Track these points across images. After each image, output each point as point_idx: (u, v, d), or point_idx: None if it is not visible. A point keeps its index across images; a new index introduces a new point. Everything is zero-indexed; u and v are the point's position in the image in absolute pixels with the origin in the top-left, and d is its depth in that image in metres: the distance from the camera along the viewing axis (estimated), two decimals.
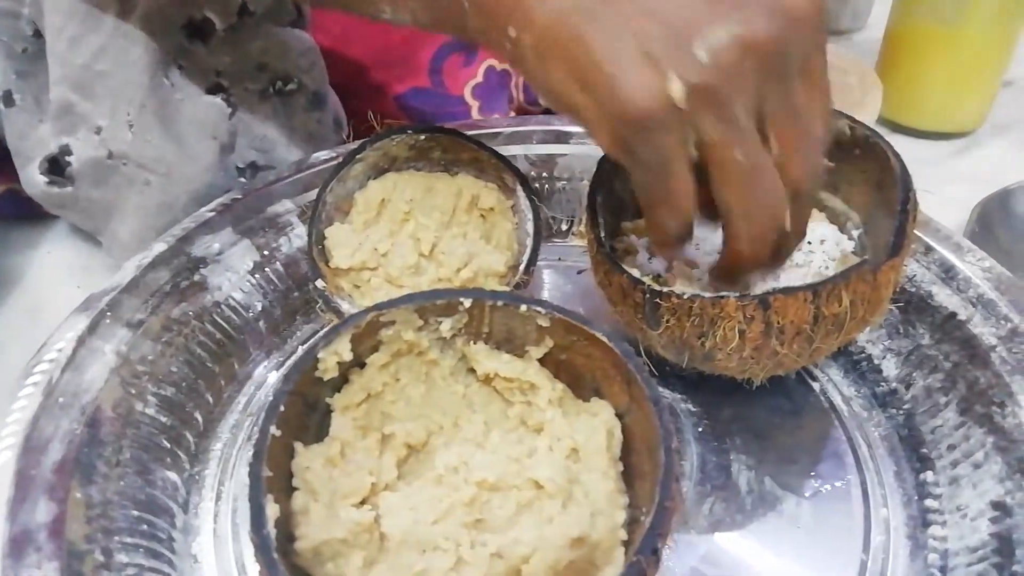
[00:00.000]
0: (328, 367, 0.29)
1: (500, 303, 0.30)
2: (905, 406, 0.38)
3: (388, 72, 0.61)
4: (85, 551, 0.28)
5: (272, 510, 0.25)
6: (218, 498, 0.36)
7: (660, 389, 0.28)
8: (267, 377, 0.42)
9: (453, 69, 0.62)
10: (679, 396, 0.40)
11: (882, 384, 0.40)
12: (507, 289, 0.40)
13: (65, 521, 0.28)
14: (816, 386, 0.41)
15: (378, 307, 0.29)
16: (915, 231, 0.37)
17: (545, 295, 0.48)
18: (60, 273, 0.53)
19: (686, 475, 0.36)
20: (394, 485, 0.29)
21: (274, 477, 0.26)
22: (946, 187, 0.62)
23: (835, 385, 0.41)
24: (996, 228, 0.54)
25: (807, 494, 0.35)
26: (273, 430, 0.26)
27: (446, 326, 0.31)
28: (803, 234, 0.33)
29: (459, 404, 0.31)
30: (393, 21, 0.37)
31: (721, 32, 0.28)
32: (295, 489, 0.27)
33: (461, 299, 0.30)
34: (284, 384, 0.27)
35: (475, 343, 0.32)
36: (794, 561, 0.33)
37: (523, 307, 0.30)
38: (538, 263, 0.42)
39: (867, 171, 0.40)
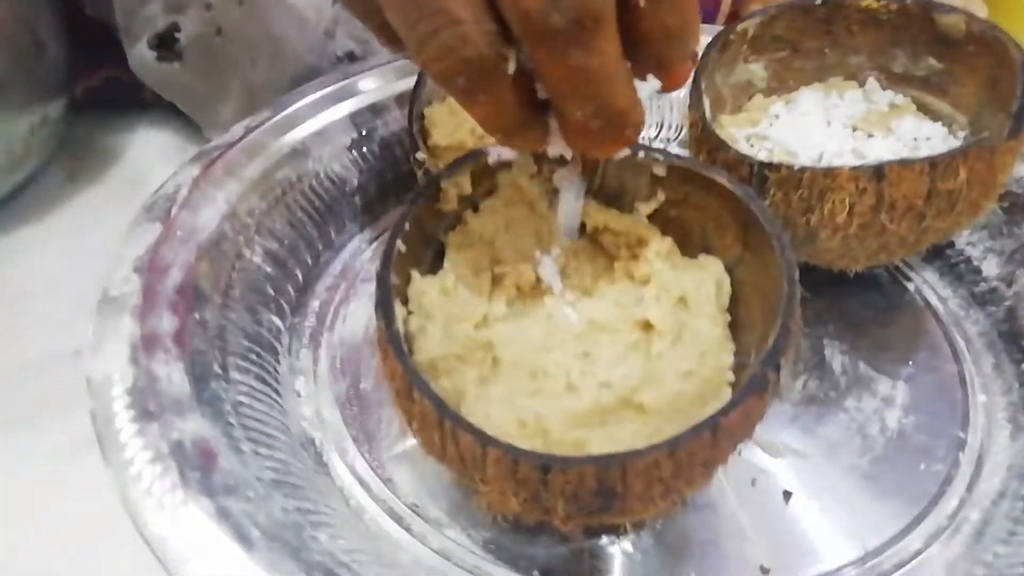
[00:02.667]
0: (449, 198, 0.30)
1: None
2: (1006, 303, 0.38)
3: None
4: (206, 361, 0.30)
5: (400, 312, 0.26)
6: (316, 347, 0.37)
7: None
8: (361, 248, 0.43)
9: None
10: None
11: (981, 284, 0.39)
12: None
13: (187, 334, 0.30)
14: (911, 286, 0.40)
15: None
16: None
17: None
18: (159, 153, 0.55)
19: None
20: (505, 318, 0.29)
21: (397, 292, 0.27)
22: None
23: (930, 286, 0.40)
24: None
25: (903, 378, 0.35)
26: (399, 245, 0.27)
27: (559, 175, 0.31)
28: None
29: (567, 256, 0.32)
30: None
31: None
32: (411, 313, 0.28)
33: None
34: (410, 207, 0.28)
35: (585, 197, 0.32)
36: (891, 437, 0.33)
37: (640, 154, 0.30)
38: None
39: (979, 69, 0.39)
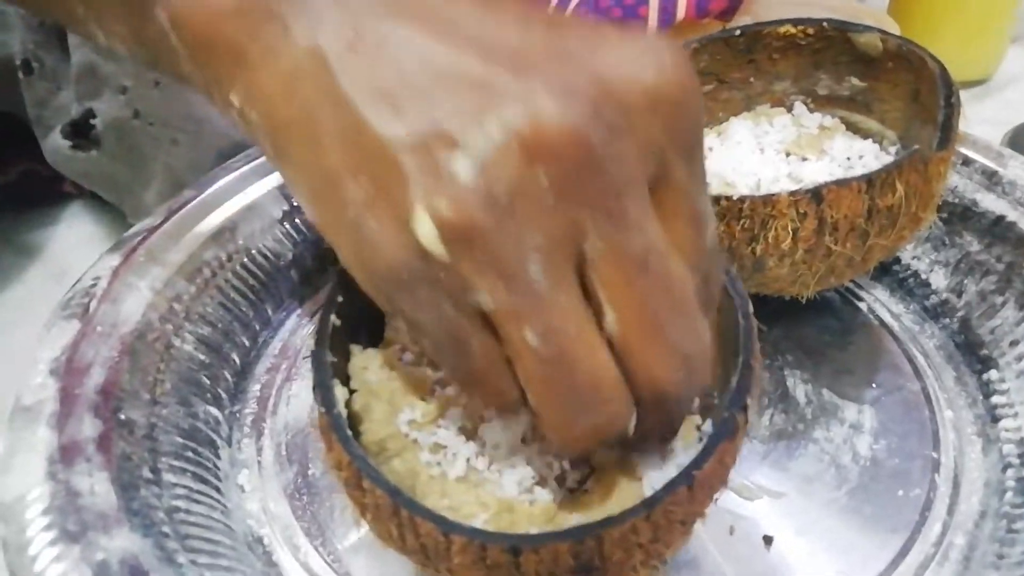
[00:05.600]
0: None
1: None
2: (959, 314, 0.37)
3: None
4: (134, 467, 0.27)
5: (342, 392, 0.24)
6: (259, 435, 0.35)
7: None
8: (302, 323, 0.41)
9: None
10: None
11: (932, 296, 0.39)
12: None
13: (112, 438, 0.27)
14: (863, 306, 0.40)
15: None
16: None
17: None
18: (82, 245, 0.52)
19: None
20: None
21: (336, 370, 0.25)
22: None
23: (883, 304, 0.40)
24: None
25: (868, 402, 0.34)
26: (333, 319, 0.25)
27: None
28: (672, 434, 0.25)
29: None
30: (110, 51, 0.29)
31: (495, 124, 0.18)
32: (353, 392, 0.26)
33: None
34: (342, 277, 0.26)
35: None
36: (865, 465, 0.32)
37: None
38: None
39: (901, 84, 0.40)
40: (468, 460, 0.25)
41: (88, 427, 0.28)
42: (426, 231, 0.18)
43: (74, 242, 0.53)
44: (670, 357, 0.20)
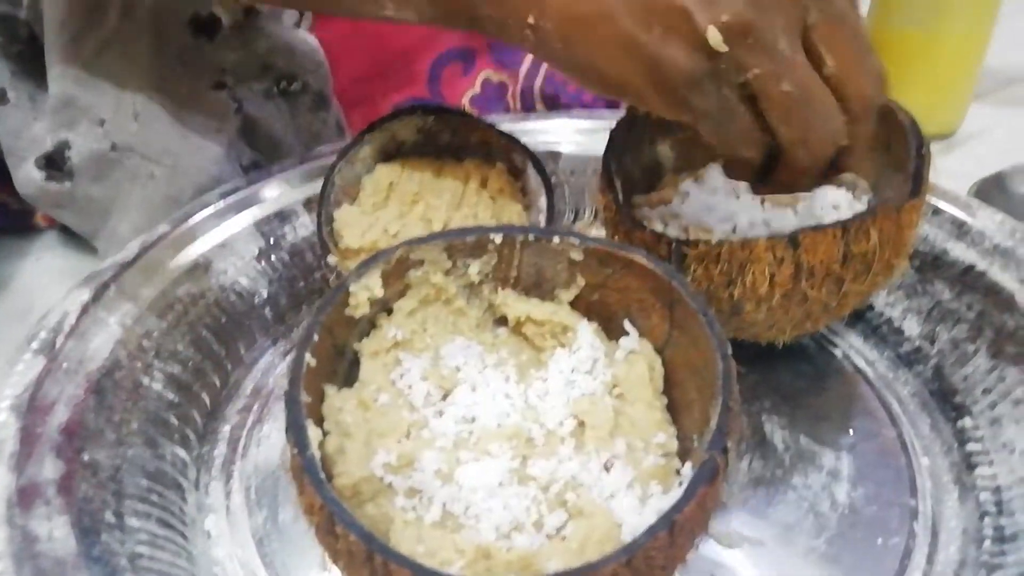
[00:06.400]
0: (359, 302, 0.28)
1: (531, 238, 0.29)
2: (932, 361, 0.38)
3: (386, 81, 0.61)
4: (96, 510, 0.26)
5: (314, 433, 0.23)
6: (228, 478, 0.34)
7: None
8: (275, 363, 0.40)
9: (451, 79, 0.62)
10: None
11: (905, 344, 0.39)
12: None
13: (74, 480, 0.26)
14: (838, 352, 0.40)
15: (408, 243, 0.29)
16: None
17: None
18: (51, 279, 0.51)
19: None
20: (431, 427, 0.27)
21: (310, 411, 0.24)
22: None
23: (857, 350, 0.40)
24: (994, 206, 0.55)
25: (845, 448, 0.34)
26: (308, 359, 0.25)
27: (474, 269, 0.30)
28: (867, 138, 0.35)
29: (492, 350, 0.30)
30: (396, 19, 0.35)
31: None
32: (327, 434, 0.26)
33: (491, 235, 0.29)
34: (317, 315, 0.26)
35: (502, 289, 0.31)
36: (843, 512, 0.32)
37: (555, 239, 0.29)
38: None
39: (873, 136, 0.40)
40: (444, 505, 0.25)
41: (49, 468, 0.27)
42: (715, 37, 0.28)
43: (42, 276, 0.52)
44: (870, 78, 0.32)
